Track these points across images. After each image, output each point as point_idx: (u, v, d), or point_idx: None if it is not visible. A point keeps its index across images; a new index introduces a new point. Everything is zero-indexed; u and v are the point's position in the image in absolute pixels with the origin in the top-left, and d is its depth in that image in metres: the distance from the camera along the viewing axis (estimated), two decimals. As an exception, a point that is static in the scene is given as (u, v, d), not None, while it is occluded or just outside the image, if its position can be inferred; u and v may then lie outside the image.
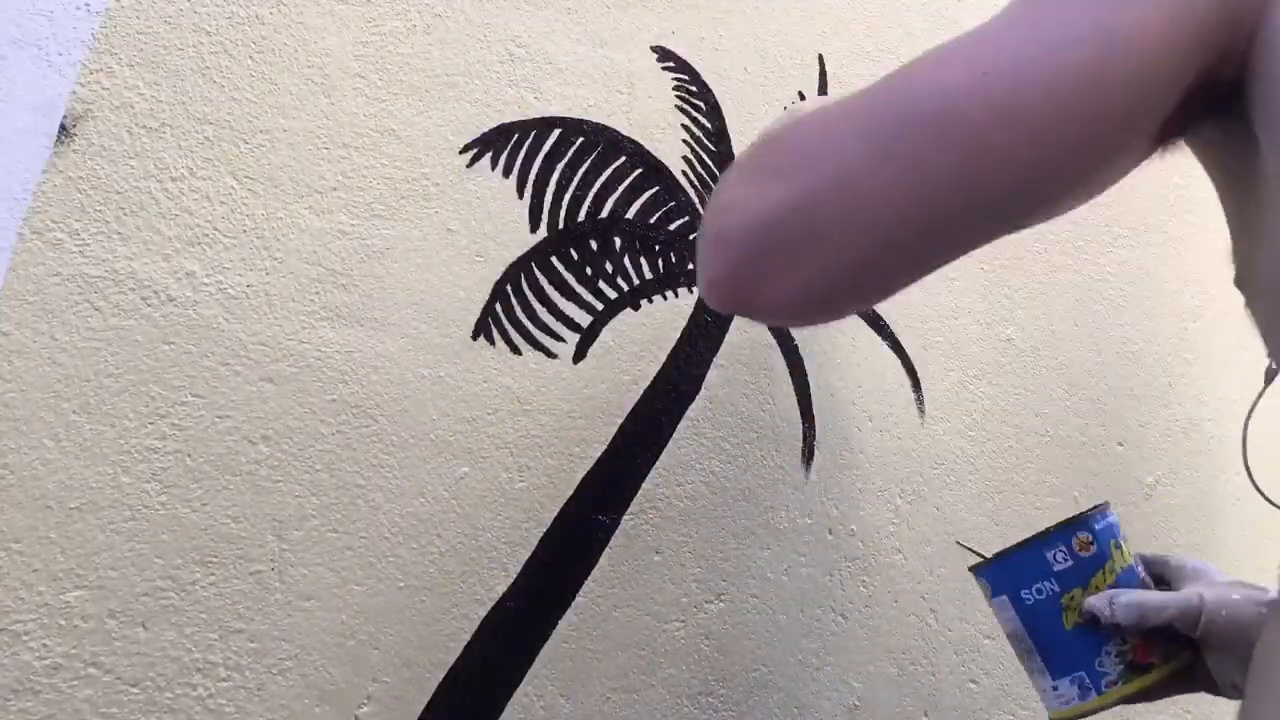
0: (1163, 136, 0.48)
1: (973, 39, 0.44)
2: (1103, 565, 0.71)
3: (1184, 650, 0.69)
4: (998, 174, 0.42)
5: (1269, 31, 0.42)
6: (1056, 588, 0.71)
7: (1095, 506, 0.74)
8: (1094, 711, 0.70)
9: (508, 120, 0.87)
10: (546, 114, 0.90)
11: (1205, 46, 0.43)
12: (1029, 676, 0.74)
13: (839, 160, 0.43)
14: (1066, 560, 0.71)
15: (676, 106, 0.98)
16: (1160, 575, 0.73)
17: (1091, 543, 0.71)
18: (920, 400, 1.09)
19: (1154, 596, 0.67)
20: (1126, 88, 0.42)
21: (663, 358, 0.93)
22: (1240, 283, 0.52)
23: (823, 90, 1.10)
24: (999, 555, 0.75)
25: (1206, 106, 0.46)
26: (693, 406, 0.93)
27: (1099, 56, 0.41)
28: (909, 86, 0.44)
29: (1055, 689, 0.71)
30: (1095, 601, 0.68)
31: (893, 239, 0.44)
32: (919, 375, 1.09)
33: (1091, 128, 0.43)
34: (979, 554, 0.79)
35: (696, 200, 0.98)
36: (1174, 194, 1.39)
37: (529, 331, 0.85)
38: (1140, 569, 0.73)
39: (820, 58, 1.11)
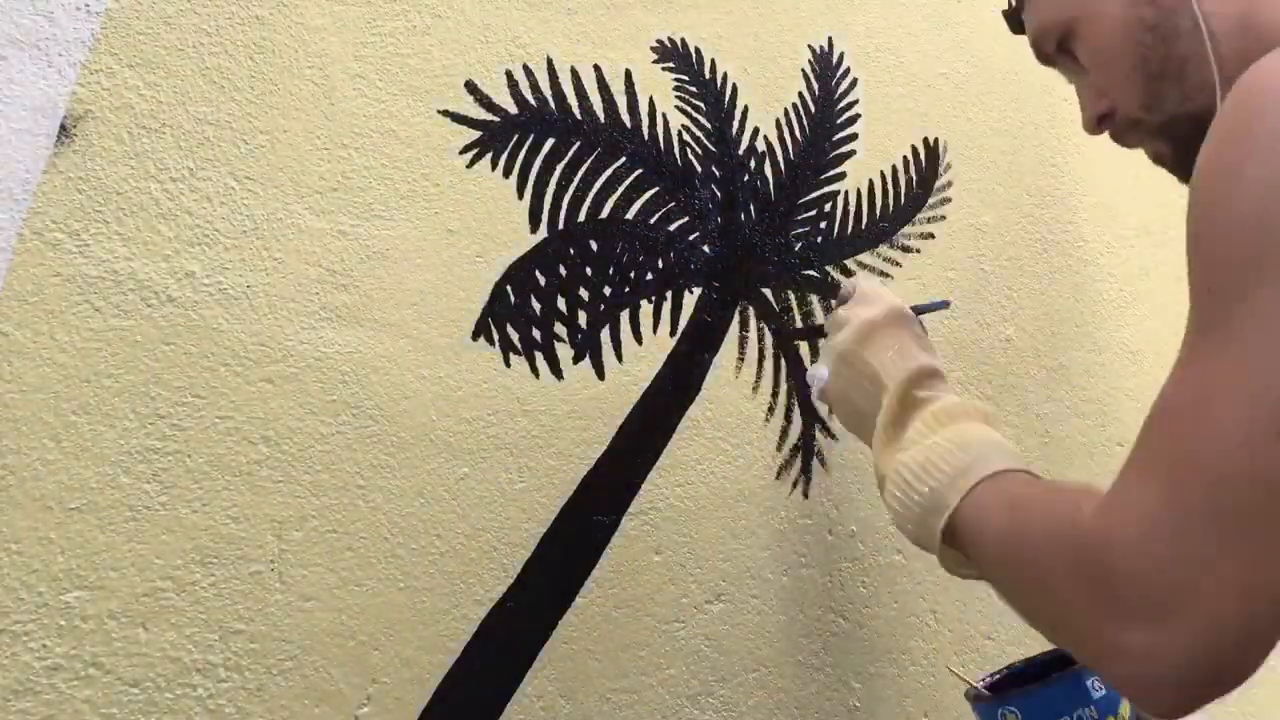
0: None
1: (1226, 384, 0.46)
2: (1119, 699, 0.69)
3: None
4: None
5: None
6: (1096, 715, 0.69)
7: None
8: None
9: (508, 121, 0.88)
10: (547, 114, 0.90)
11: None
12: None
13: (1221, 573, 0.44)
14: (1101, 688, 0.69)
15: (676, 107, 0.98)
16: None
17: None
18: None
19: None
20: None
21: (663, 358, 0.93)
22: None
23: (827, 74, 1.10)
24: (1026, 682, 0.70)
25: None
26: (693, 406, 0.93)
27: None
28: (1210, 462, 0.45)
29: None
30: None
31: None
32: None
33: None
34: (968, 681, 0.76)
35: (696, 201, 0.98)
36: (1173, 195, 1.39)
37: (529, 332, 0.85)
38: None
39: (830, 39, 1.11)
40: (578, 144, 0.91)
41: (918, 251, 1.14)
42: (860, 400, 0.73)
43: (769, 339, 1.00)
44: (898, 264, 1.12)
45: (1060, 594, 0.51)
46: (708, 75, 1.02)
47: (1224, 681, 0.45)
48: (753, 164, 1.03)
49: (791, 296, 1.03)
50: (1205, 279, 0.50)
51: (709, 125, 1.01)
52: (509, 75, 0.88)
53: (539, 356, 0.85)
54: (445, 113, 0.84)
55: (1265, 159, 0.48)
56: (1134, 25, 0.66)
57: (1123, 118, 0.71)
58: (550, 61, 0.91)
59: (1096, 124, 0.73)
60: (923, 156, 1.19)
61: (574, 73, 0.92)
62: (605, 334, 0.89)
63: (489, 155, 0.86)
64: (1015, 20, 0.79)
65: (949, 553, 0.62)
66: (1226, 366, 0.47)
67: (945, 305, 0.86)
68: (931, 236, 1.16)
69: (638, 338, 0.91)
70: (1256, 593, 0.43)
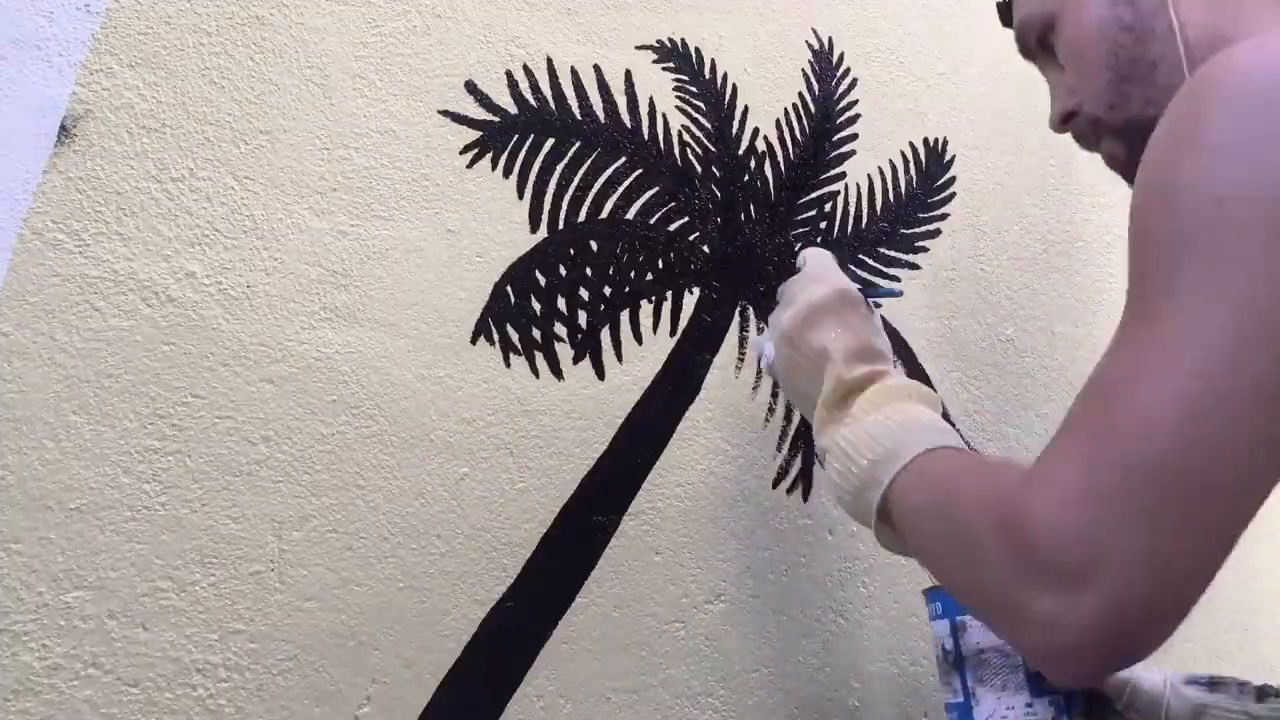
0: None
1: (1153, 368, 0.48)
2: None
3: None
4: (1241, 485, 0.47)
5: None
6: None
7: None
8: None
9: (508, 121, 0.88)
10: (547, 114, 0.90)
11: None
12: (996, 693, 0.75)
13: (1130, 547, 0.45)
14: None
15: (676, 107, 0.98)
16: None
17: None
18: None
19: None
20: None
21: (663, 358, 0.93)
22: None
23: (827, 74, 1.10)
24: None
25: None
26: (693, 406, 0.93)
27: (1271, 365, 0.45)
28: (1131, 442, 0.47)
29: (1030, 707, 0.73)
30: None
31: (1207, 572, 0.47)
32: (924, 375, 1.09)
33: None
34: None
35: (696, 201, 0.98)
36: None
37: (529, 332, 0.85)
38: None
39: (830, 39, 1.11)
40: (578, 144, 0.91)
41: (926, 250, 1.14)
42: (804, 379, 0.74)
43: (768, 337, 1.00)
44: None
45: (981, 560, 0.52)
46: (708, 75, 1.02)
47: (1126, 653, 0.47)
48: (753, 164, 1.03)
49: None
50: (1139, 260, 0.52)
51: (709, 125, 1.01)
52: (509, 75, 0.88)
53: (539, 356, 0.85)
54: (445, 113, 0.84)
55: (1212, 143, 0.49)
56: (1110, 22, 0.67)
57: (1086, 116, 0.72)
58: (550, 61, 0.91)
59: (1061, 122, 0.75)
60: (923, 156, 1.19)
61: (574, 73, 0.92)
62: (605, 334, 0.89)
63: (489, 155, 0.86)
64: (1007, 12, 0.80)
65: (884, 528, 0.63)
66: (1153, 350, 0.48)
67: (898, 294, 0.86)
68: (939, 233, 1.16)
69: (638, 338, 0.91)
70: (1164, 569, 0.45)
